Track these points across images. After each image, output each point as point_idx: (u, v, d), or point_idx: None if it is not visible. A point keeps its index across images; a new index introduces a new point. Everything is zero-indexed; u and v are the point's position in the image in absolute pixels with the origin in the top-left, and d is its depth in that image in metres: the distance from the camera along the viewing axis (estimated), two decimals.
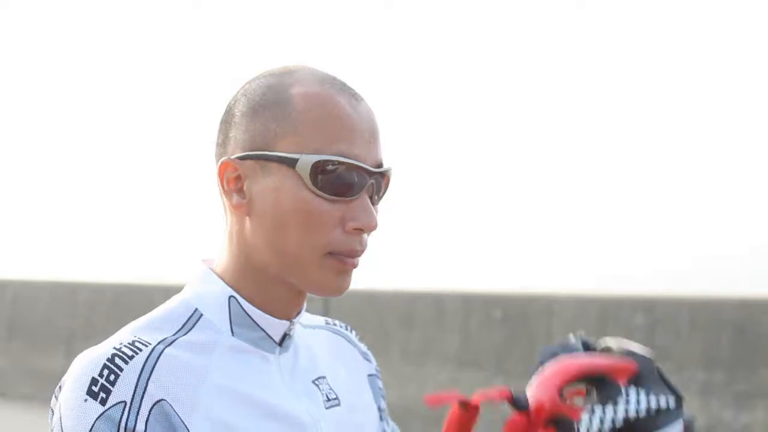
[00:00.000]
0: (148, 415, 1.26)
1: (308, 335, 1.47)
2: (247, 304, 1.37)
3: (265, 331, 1.37)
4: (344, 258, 1.34)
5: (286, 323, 1.39)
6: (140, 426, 1.25)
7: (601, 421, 1.25)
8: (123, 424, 1.24)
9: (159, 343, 1.31)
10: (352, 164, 1.32)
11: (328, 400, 1.44)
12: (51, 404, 1.31)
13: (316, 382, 1.43)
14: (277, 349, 1.39)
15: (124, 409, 1.25)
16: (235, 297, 1.37)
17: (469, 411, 1.30)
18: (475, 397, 1.31)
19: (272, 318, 1.38)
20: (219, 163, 1.37)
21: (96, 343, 1.33)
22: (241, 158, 1.34)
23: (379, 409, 1.55)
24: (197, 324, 1.36)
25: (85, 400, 1.25)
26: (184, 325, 1.35)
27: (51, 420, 1.31)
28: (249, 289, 1.37)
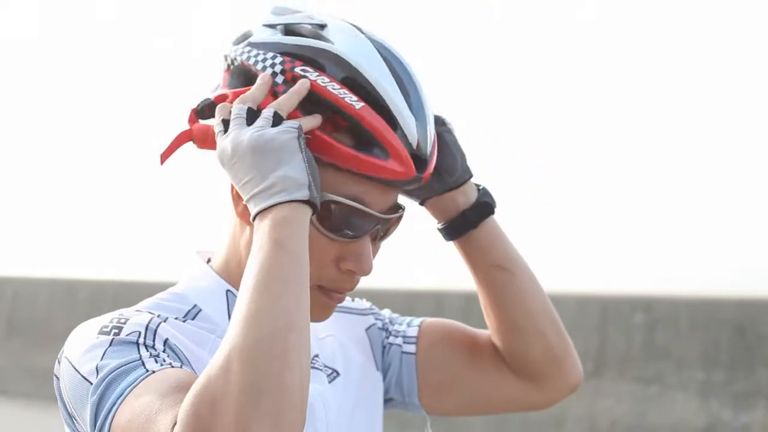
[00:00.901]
0: (164, 346, 1.24)
1: None
2: None
3: None
4: (332, 293, 1.34)
5: None
6: (159, 345, 1.23)
7: None
8: (141, 342, 1.23)
9: (159, 317, 1.30)
10: (363, 210, 1.31)
11: (328, 375, 1.44)
12: (54, 371, 1.29)
13: (312, 361, 1.42)
14: None
15: (138, 336, 1.24)
16: (232, 291, 1.37)
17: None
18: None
19: None
20: None
21: None
22: None
23: (385, 345, 1.55)
24: (197, 317, 1.35)
25: (97, 337, 1.24)
26: (184, 316, 1.35)
27: (57, 386, 1.28)
28: None
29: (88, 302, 9.87)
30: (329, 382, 1.43)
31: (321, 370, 1.43)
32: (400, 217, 1.38)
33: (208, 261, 1.42)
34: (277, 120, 1.24)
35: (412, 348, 1.54)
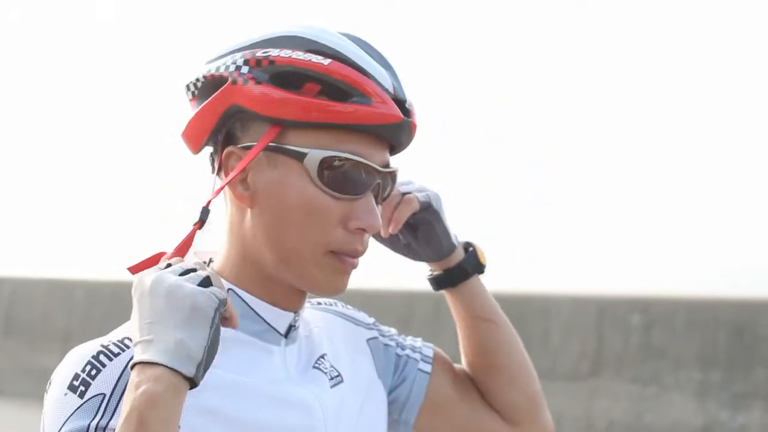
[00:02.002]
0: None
1: (305, 314, 1.45)
2: (249, 296, 1.35)
3: (269, 324, 1.35)
4: (345, 258, 1.33)
5: (290, 315, 1.37)
6: (114, 421, 1.21)
7: None
8: (98, 418, 1.22)
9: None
10: (362, 162, 1.31)
11: (332, 378, 1.43)
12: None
13: (318, 363, 1.41)
14: (283, 341, 1.37)
15: (102, 402, 1.23)
16: (233, 290, 1.35)
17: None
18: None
19: (276, 309, 1.36)
20: (224, 152, 1.35)
21: None
22: (247, 148, 1.33)
23: (399, 358, 1.56)
24: None
25: (65, 394, 1.24)
26: None
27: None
28: (248, 282, 1.35)
29: (85, 302, 9.86)
30: (332, 386, 1.42)
31: (325, 372, 1.42)
32: (395, 175, 1.38)
33: (210, 261, 1.40)
34: (205, 282, 1.23)
35: (428, 367, 1.57)
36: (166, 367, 1.17)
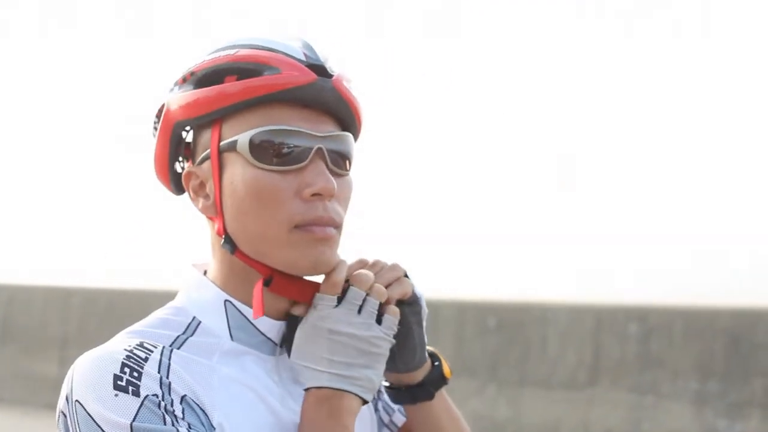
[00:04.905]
0: (182, 408, 1.25)
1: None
2: (244, 306, 1.36)
3: (264, 334, 1.36)
4: (311, 228, 1.32)
5: (283, 324, 1.37)
6: (178, 412, 1.24)
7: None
8: (163, 407, 1.23)
9: (164, 347, 1.30)
10: (292, 130, 1.31)
11: None
12: (60, 407, 1.28)
13: None
14: (277, 350, 1.38)
15: (159, 399, 1.24)
16: (230, 301, 1.35)
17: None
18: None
19: (269, 319, 1.36)
20: (182, 177, 1.39)
21: (90, 349, 1.32)
22: (199, 163, 1.36)
23: (373, 400, 1.55)
24: (197, 331, 1.34)
25: (116, 395, 1.23)
26: (184, 332, 1.34)
27: (63, 423, 1.27)
28: (240, 291, 1.36)
29: (82, 310, 9.86)
30: None
31: None
32: (343, 139, 1.35)
33: (204, 273, 1.41)
34: (380, 312, 1.38)
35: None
36: (352, 394, 1.34)
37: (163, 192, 1.47)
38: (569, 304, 6.90)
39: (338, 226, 1.34)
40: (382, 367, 1.36)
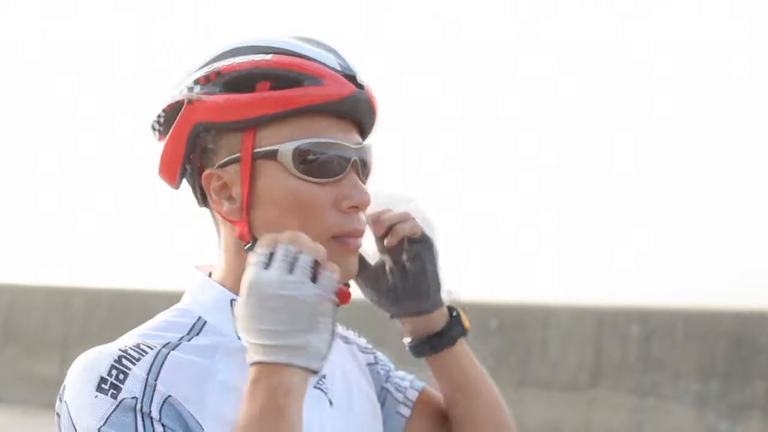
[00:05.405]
0: (160, 409, 1.25)
1: None
2: None
3: None
4: (347, 240, 1.34)
5: None
6: (155, 413, 1.24)
7: None
8: (138, 409, 1.24)
9: (163, 346, 1.30)
10: (333, 143, 1.32)
11: (331, 399, 1.42)
12: (56, 408, 1.30)
13: (319, 383, 1.41)
14: None
15: (136, 401, 1.24)
16: (237, 300, 1.35)
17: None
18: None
19: None
20: (203, 177, 1.36)
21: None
22: (222, 165, 1.34)
23: (382, 390, 1.55)
24: (202, 330, 1.34)
25: (96, 397, 1.24)
26: (188, 332, 1.34)
27: (57, 423, 1.30)
28: None
29: (84, 310, 9.86)
30: (331, 405, 1.42)
31: (326, 393, 1.41)
32: (369, 150, 1.37)
33: (209, 275, 1.40)
34: (315, 270, 1.25)
35: (406, 411, 1.55)
36: (294, 366, 1.23)
37: (163, 189, 1.45)
38: (571, 306, 6.90)
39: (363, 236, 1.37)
40: (328, 330, 1.25)
